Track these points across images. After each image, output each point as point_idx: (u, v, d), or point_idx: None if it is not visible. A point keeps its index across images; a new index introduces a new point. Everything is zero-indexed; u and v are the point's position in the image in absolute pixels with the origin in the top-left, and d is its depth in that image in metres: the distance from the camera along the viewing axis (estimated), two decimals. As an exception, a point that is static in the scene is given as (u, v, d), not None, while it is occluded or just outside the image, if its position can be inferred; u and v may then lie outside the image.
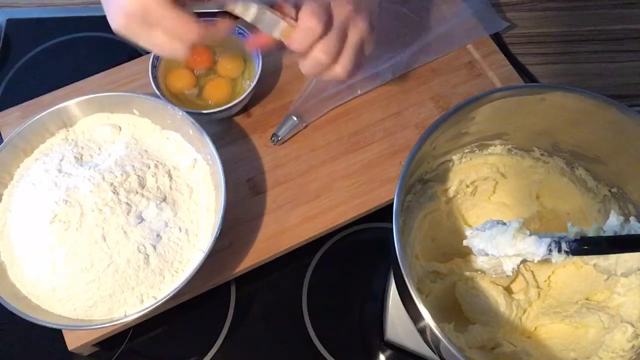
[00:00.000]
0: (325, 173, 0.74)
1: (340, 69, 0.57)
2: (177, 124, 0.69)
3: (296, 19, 0.55)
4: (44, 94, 0.78)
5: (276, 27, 0.56)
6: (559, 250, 0.50)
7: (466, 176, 0.66)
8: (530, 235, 0.52)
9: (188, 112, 0.68)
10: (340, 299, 0.72)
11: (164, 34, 0.50)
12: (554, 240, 0.51)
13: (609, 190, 0.62)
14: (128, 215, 0.62)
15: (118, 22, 0.50)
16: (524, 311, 0.61)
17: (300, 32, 0.54)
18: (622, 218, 0.52)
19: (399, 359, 0.68)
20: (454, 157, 0.65)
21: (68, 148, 0.67)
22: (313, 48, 0.55)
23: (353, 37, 0.57)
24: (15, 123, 0.76)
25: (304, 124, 0.77)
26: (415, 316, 0.51)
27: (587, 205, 0.64)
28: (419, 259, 0.62)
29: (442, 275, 0.62)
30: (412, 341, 0.64)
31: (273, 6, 0.55)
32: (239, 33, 0.78)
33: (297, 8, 0.55)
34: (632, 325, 0.56)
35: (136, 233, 0.61)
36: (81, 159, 0.66)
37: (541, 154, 0.65)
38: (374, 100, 0.79)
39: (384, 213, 0.73)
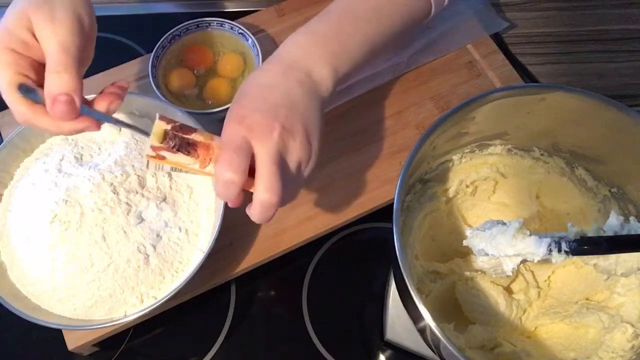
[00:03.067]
0: (325, 173, 0.74)
1: (260, 192, 0.49)
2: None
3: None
4: (44, 94, 0.78)
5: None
6: (559, 250, 0.50)
7: (466, 176, 0.66)
8: (530, 235, 0.52)
9: (188, 112, 0.68)
10: (340, 299, 0.72)
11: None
12: (554, 240, 0.51)
13: (609, 190, 0.62)
14: (128, 215, 0.62)
15: None
16: (524, 311, 0.61)
17: (219, 185, 0.48)
18: (622, 218, 0.52)
19: (399, 359, 0.68)
20: (454, 157, 0.65)
21: (68, 148, 0.67)
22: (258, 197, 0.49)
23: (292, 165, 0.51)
24: (15, 123, 0.75)
25: (304, 124, 0.77)
26: (415, 316, 0.51)
27: (587, 205, 0.64)
28: (419, 259, 0.62)
29: (442, 275, 0.62)
30: (412, 341, 0.64)
31: (191, 144, 0.50)
32: (239, 33, 0.79)
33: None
34: (632, 325, 0.56)
35: (136, 233, 0.61)
36: (81, 158, 0.66)
37: (541, 154, 0.65)
38: (374, 100, 0.79)
39: (384, 213, 0.73)
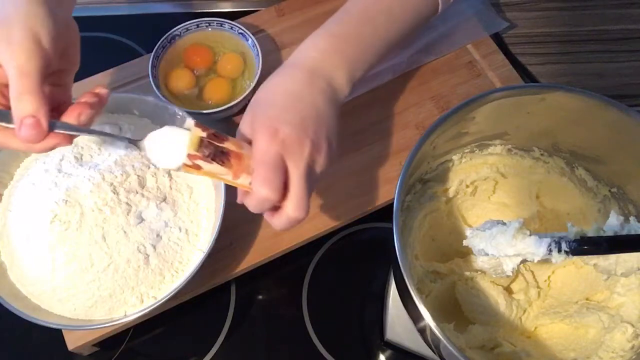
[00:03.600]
0: (325, 173, 0.74)
1: (291, 210, 0.50)
2: (177, 124, 0.69)
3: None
4: (44, 94, 0.78)
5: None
6: (559, 250, 0.50)
7: (466, 176, 0.66)
8: (530, 235, 0.52)
9: (188, 112, 0.68)
10: (340, 299, 0.72)
11: None
12: (554, 240, 0.51)
13: (609, 190, 0.62)
14: (128, 215, 0.62)
15: None
16: (524, 311, 0.61)
17: (254, 200, 0.50)
18: (622, 218, 0.52)
19: (399, 359, 0.68)
20: (454, 157, 0.65)
21: (68, 148, 0.67)
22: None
23: (298, 170, 0.51)
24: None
25: (304, 124, 0.77)
26: (415, 316, 0.51)
27: (587, 205, 0.64)
28: (419, 259, 0.62)
29: (442, 275, 0.62)
30: (412, 341, 0.64)
31: (225, 154, 0.50)
32: (239, 33, 0.79)
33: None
34: (632, 325, 0.56)
35: (136, 233, 0.61)
36: (81, 158, 0.66)
37: (541, 154, 0.65)
38: (374, 100, 0.79)
39: (384, 213, 0.73)
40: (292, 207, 0.50)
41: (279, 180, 0.49)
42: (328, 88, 0.54)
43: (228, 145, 0.50)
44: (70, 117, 0.49)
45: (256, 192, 0.49)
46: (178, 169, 0.50)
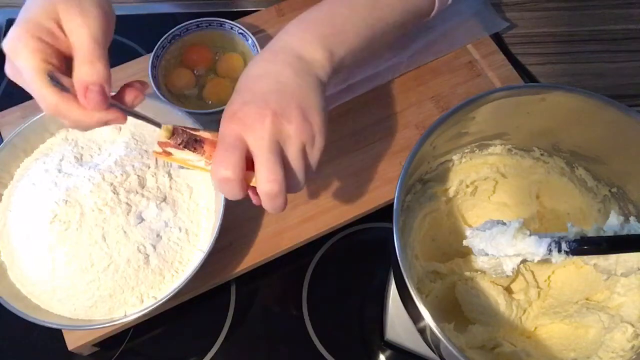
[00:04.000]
0: (325, 173, 0.74)
1: (261, 183, 0.48)
2: (177, 124, 0.69)
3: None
4: (44, 94, 0.78)
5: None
6: (559, 250, 0.50)
7: (466, 176, 0.66)
8: (530, 235, 0.52)
9: (188, 112, 0.68)
10: (340, 299, 0.72)
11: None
12: (554, 240, 0.51)
13: (609, 190, 0.62)
14: (128, 215, 0.62)
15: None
16: (524, 311, 0.61)
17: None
18: (622, 218, 0.52)
19: (399, 359, 0.68)
20: (454, 157, 0.65)
21: (68, 148, 0.67)
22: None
23: (293, 153, 0.49)
24: (15, 123, 0.76)
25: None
26: (415, 316, 0.51)
27: (587, 205, 0.64)
28: (419, 259, 0.62)
29: (442, 275, 0.62)
30: (412, 341, 0.64)
31: (198, 141, 0.50)
32: (239, 33, 0.79)
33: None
34: (632, 325, 0.56)
35: (136, 233, 0.61)
36: (81, 158, 0.66)
37: (541, 154, 0.65)
38: (374, 100, 0.79)
39: (384, 213, 0.73)
40: (262, 180, 0.47)
41: (236, 158, 0.47)
42: (296, 61, 0.52)
43: (203, 133, 0.51)
44: (128, 97, 0.51)
45: (215, 174, 0.47)
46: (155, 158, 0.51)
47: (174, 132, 0.50)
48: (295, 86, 0.50)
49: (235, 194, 0.48)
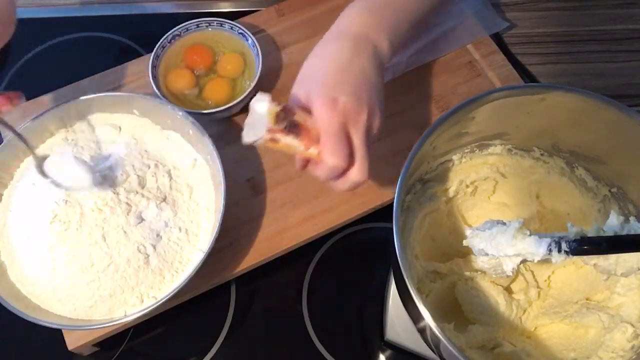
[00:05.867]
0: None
1: (356, 175, 0.55)
2: (177, 124, 0.69)
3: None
4: (44, 94, 0.78)
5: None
6: (559, 250, 0.50)
7: (466, 176, 0.66)
8: (530, 235, 0.52)
9: (188, 112, 0.68)
10: (340, 299, 0.72)
11: None
12: (554, 240, 0.51)
13: (609, 190, 0.62)
14: (128, 215, 0.62)
15: None
16: (524, 311, 0.61)
17: (325, 169, 0.54)
18: (622, 218, 0.52)
19: (399, 359, 0.68)
20: (454, 157, 0.65)
21: (68, 148, 0.67)
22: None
23: (358, 133, 0.55)
24: (15, 123, 0.75)
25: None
26: (415, 316, 0.51)
27: (587, 205, 0.64)
28: (419, 259, 0.62)
29: (442, 275, 0.62)
30: (412, 341, 0.64)
31: (296, 126, 0.52)
32: (239, 33, 0.79)
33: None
34: (632, 325, 0.56)
35: (136, 233, 0.62)
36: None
37: (541, 154, 0.65)
38: (374, 100, 0.79)
39: (384, 213, 0.73)
40: (356, 172, 0.54)
41: (346, 149, 0.53)
42: (374, 53, 0.57)
43: (298, 117, 0.52)
44: None
45: (326, 162, 0.53)
46: (257, 143, 0.51)
47: (277, 117, 0.50)
48: (376, 81, 0.57)
49: (332, 177, 0.55)
